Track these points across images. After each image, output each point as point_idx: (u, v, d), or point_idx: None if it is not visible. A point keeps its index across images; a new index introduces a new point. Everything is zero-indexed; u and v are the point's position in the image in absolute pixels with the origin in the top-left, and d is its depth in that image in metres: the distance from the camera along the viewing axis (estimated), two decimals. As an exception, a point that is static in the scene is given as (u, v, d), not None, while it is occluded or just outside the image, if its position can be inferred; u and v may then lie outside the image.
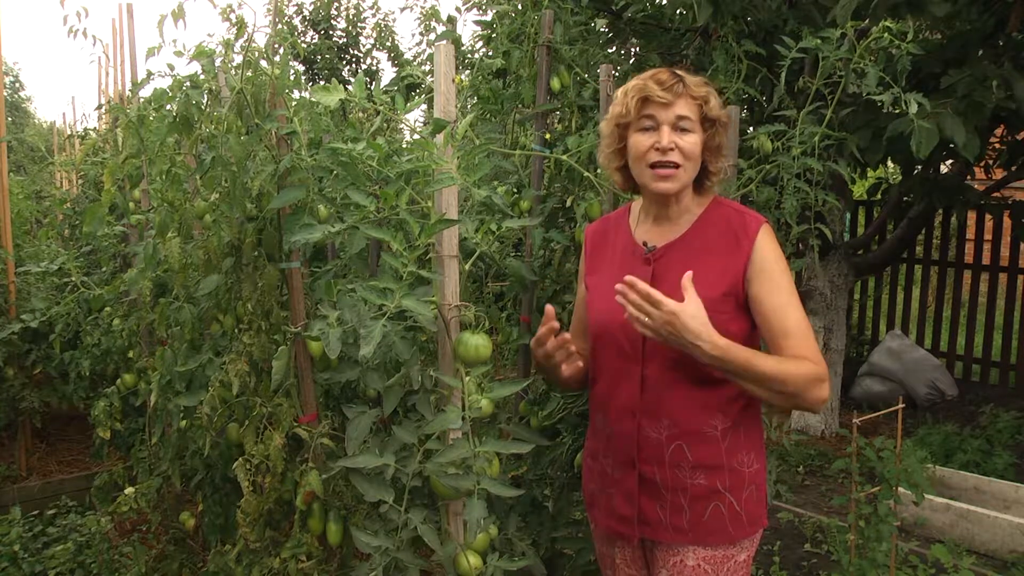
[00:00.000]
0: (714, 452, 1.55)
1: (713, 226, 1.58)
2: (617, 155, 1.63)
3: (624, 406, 1.60)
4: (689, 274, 1.44)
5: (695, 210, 1.61)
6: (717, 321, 1.47)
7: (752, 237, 1.54)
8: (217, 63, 1.88)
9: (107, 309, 3.06)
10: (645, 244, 1.62)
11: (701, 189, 1.62)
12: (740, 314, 1.54)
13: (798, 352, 1.48)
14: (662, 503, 1.58)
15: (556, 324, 1.58)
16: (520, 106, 2.61)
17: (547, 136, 2.44)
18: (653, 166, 1.54)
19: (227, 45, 1.88)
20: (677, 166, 1.53)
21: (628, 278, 1.43)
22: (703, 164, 1.58)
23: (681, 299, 1.43)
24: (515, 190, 2.50)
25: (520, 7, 2.87)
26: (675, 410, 1.55)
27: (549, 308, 1.58)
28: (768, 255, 1.53)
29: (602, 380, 1.66)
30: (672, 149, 1.52)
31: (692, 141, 1.53)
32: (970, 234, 6.40)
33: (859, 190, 7.59)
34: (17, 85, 23.51)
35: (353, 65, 11.75)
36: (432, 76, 1.68)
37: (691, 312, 1.40)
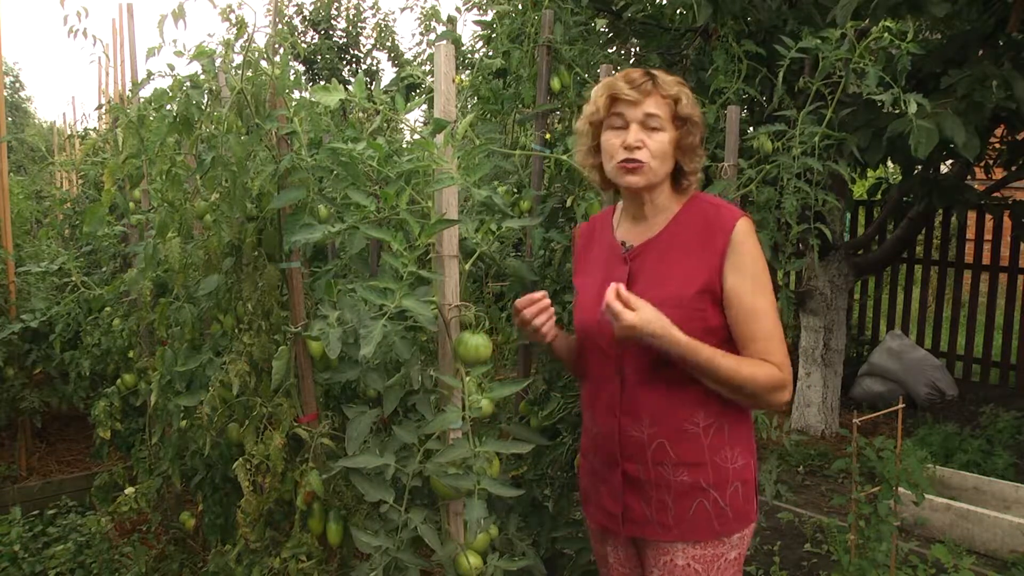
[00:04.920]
0: (696, 449, 1.56)
1: (689, 223, 1.58)
2: (592, 153, 1.65)
3: (606, 405, 1.63)
4: (614, 285, 1.45)
5: (673, 208, 1.61)
6: (695, 318, 1.50)
7: (728, 231, 1.52)
8: (217, 63, 1.88)
9: (107, 309, 3.06)
10: (623, 244, 1.65)
11: (679, 188, 1.62)
12: (719, 309, 1.54)
13: (765, 356, 1.51)
14: (647, 500, 1.59)
15: (538, 296, 1.60)
16: (520, 106, 2.61)
17: (547, 136, 2.44)
18: (621, 162, 1.55)
19: (227, 45, 1.88)
20: (643, 162, 1.54)
21: (611, 287, 1.46)
22: (679, 164, 1.58)
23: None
24: (515, 190, 2.50)
25: (520, 7, 2.87)
26: (654, 408, 1.56)
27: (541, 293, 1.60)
28: (745, 250, 1.52)
29: (587, 380, 1.70)
30: (639, 147, 1.53)
31: (660, 139, 1.53)
32: (970, 234, 6.40)
33: (859, 190, 7.59)
34: (17, 85, 23.52)
35: (353, 65, 11.75)
36: (432, 76, 1.68)
37: (645, 319, 1.43)
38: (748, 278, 1.51)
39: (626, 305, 1.43)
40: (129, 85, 3.51)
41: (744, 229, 1.53)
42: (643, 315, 1.43)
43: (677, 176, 1.61)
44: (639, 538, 1.65)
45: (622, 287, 1.45)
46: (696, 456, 1.56)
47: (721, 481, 1.56)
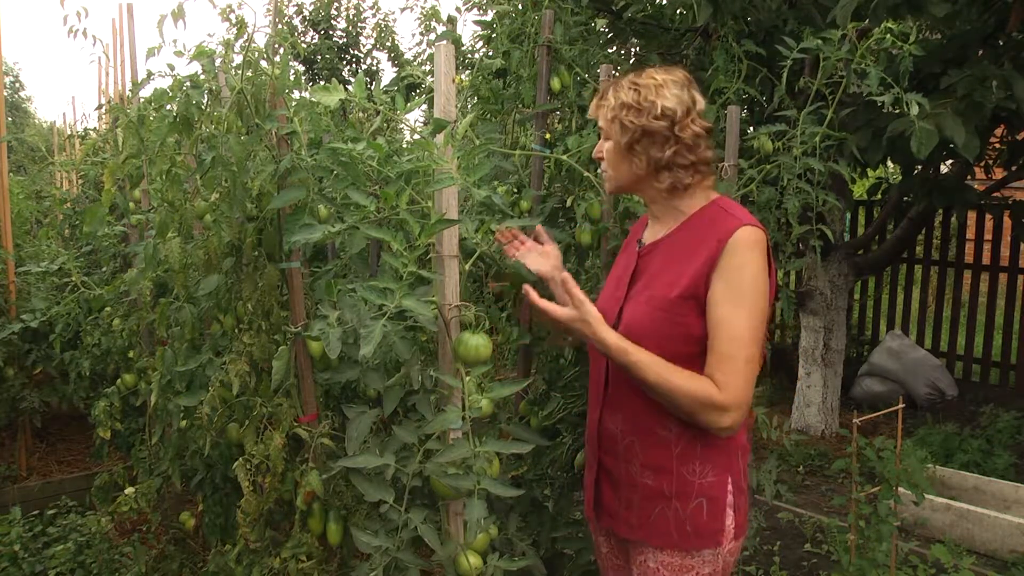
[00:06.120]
0: (664, 455, 1.55)
1: (697, 227, 1.56)
2: None
3: (593, 395, 1.69)
4: (566, 275, 1.53)
5: (687, 211, 1.59)
6: (677, 323, 1.49)
7: (724, 238, 1.47)
8: (217, 63, 1.87)
9: (107, 309, 3.05)
10: (639, 241, 1.69)
11: (670, 191, 1.57)
12: (703, 317, 1.49)
13: (713, 371, 1.45)
14: (618, 496, 1.63)
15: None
16: (520, 106, 2.61)
17: (547, 136, 2.44)
18: None
19: (227, 45, 1.88)
20: (604, 170, 1.65)
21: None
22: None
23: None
24: (515, 190, 2.49)
25: (520, 7, 2.87)
26: (631, 407, 1.58)
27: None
28: (736, 261, 1.45)
29: (590, 370, 1.76)
30: (600, 157, 1.65)
31: (607, 148, 1.61)
32: (970, 234, 6.40)
33: (859, 190, 7.59)
34: (17, 85, 23.56)
35: (353, 65, 11.76)
36: (432, 76, 1.68)
37: (570, 316, 1.51)
38: (729, 287, 1.45)
39: (573, 299, 1.49)
40: (129, 85, 3.51)
41: (745, 239, 1.46)
42: (567, 312, 1.50)
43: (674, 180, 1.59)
44: (613, 532, 1.67)
45: (569, 277, 1.53)
46: (663, 462, 1.55)
47: (684, 492, 1.54)
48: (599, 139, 1.66)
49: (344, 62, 11.67)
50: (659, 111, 1.52)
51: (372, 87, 1.62)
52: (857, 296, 7.08)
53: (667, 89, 1.53)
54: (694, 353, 1.50)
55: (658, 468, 1.56)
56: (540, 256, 1.79)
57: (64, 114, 21.41)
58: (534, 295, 1.53)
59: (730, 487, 1.57)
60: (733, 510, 1.57)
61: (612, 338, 1.48)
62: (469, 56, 5.43)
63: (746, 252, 1.46)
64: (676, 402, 1.47)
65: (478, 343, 1.49)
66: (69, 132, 5.89)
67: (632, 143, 1.55)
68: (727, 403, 1.43)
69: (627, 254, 1.73)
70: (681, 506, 1.54)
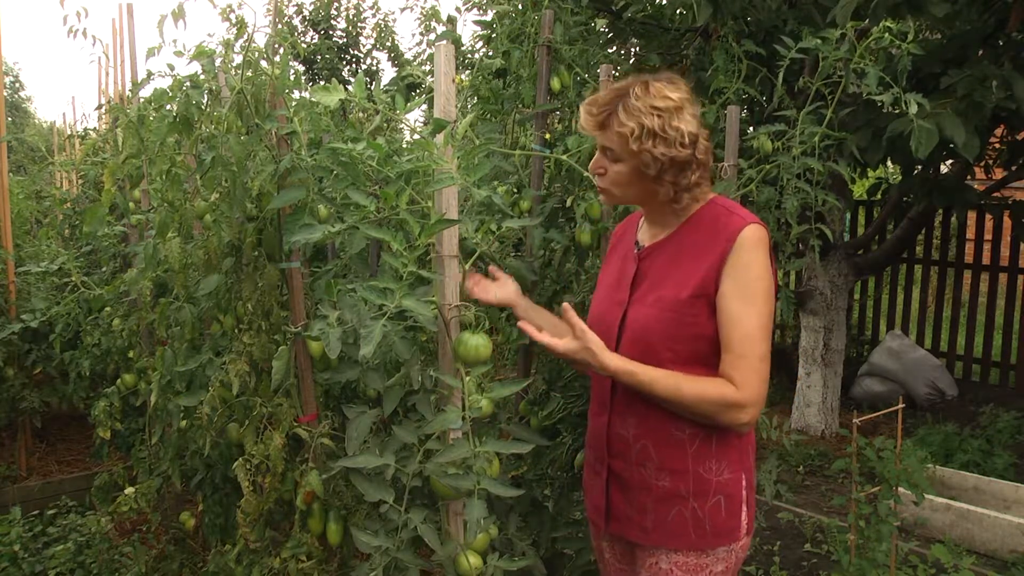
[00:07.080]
0: (679, 456, 1.54)
1: (699, 227, 1.55)
2: None
3: (599, 401, 1.66)
4: (566, 306, 1.48)
5: (686, 211, 1.58)
6: (687, 323, 1.49)
7: (732, 237, 1.47)
8: (217, 63, 1.87)
9: (107, 309, 3.05)
10: (637, 243, 1.67)
11: (677, 204, 1.55)
12: (714, 316, 1.49)
13: (729, 370, 1.46)
14: (630, 501, 1.60)
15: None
16: (520, 106, 2.61)
17: (547, 136, 2.44)
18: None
19: (227, 45, 1.88)
20: (604, 187, 1.58)
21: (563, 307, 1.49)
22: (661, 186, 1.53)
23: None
24: (515, 190, 2.50)
25: (520, 7, 2.87)
26: (641, 410, 1.56)
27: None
28: (744, 259, 1.46)
29: (592, 373, 1.72)
30: (600, 174, 1.57)
31: (617, 170, 1.53)
32: (970, 234, 6.40)
33: (859, 190, 7.59)
34: (17, 85, 23.57)
35: (353, 65, 11.76)
36: (432, 76, 1.68)
37: (573, 349, 1.47)
38: (738, 285, 1.46)
39: (575, 328, 1.46)
40: (129, 85, 3.51)
41: (751, 237, 1.47)
42: (570, 344, 1.47)
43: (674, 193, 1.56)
44: (624, 537, 1.65)
45: (569, 307, 1.48)
46: (679, 463, 1.55)
47: (701, 491, 1.54)
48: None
49: (344, 62, 11.67)
50: (685, 139, 1.48)
51: (372, 87, 1.62)
52: (857, 296, 7.08)
53: (686, 111, 1.49)
54: (705, 352, 1.50)
55: (674, 469, 1.55)
56: (499, 286, 1.75)
57: (64, 114, 21.45)
58: (533, 330, 1.50)
59: (744, 483, 1.58)
60: (747, 506, 1.58)
61: (616, 362, 1.47)
62: (469, 56, 5.43)
63: (752, 250, 1.48)
64: (693, 409, 1.48)
65: (478, 343, 1.49)
66: (69, 132, 5.90)
67: (660, 173, 1.50)
68: (746, 401, 1.45)
69: (620, 256, 1.70)
70: (699, 505, 1.54)
